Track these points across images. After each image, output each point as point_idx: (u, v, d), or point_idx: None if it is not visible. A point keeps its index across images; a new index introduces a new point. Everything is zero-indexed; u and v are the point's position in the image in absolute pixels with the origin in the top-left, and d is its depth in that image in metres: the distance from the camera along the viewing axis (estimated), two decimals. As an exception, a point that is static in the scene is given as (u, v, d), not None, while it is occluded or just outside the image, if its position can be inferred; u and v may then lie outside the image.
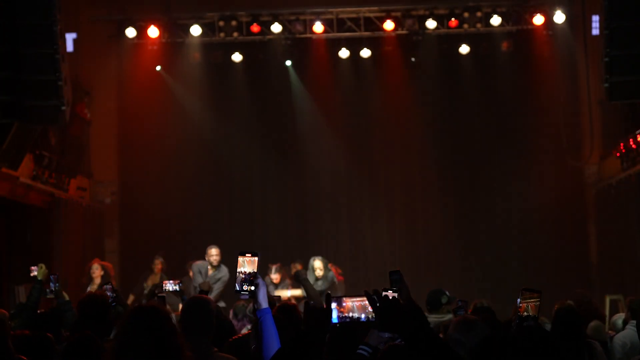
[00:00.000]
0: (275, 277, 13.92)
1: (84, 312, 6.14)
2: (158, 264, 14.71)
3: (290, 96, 17.50)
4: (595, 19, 15.46)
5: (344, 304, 3.40)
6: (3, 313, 6.76)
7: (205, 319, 4.93)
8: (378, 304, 3.19)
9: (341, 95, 17.51)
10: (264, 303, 3.92)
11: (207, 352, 4.69)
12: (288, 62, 17.09)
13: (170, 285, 8.95)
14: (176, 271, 14.08)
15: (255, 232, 17.02)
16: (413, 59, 17.10)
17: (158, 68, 17.07)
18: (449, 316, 8.62)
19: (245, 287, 3.92)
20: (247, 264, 3.96)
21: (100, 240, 16.89)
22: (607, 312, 12.93)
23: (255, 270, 3.95)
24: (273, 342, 3.89)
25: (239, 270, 3.95)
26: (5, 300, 12.59)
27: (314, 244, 16.96)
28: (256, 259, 3.98)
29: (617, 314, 9.54)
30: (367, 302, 3.32)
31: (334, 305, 3.43)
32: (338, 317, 3.41)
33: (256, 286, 3.91)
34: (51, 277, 8.00)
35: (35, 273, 7.52)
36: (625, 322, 8.38)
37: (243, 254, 3.99)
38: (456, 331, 4.97)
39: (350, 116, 17.56)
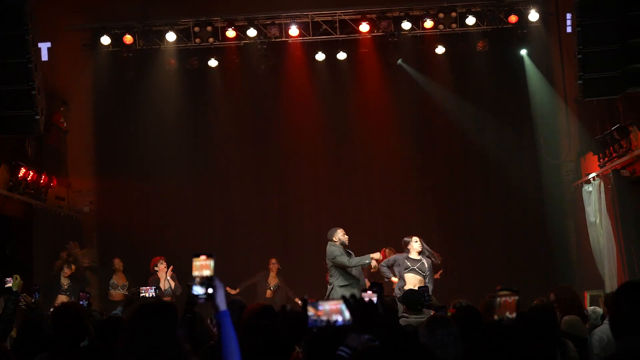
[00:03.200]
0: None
1: (58, 321, 6.09)
2: (118, 262, 15.05)
3: (268, 101, 17.47)
4: (569, 16, 15.52)
5: (320, 308, 3.39)
6: None
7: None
8: (354, 307, 3.20)
9: (318, 97, 17.51)
10: (222, 305, 3.87)
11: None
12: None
13: (150, 292, 8.97)
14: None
15: (235, 238, 16.96)
16: (400, 61, 17.10)
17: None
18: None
19: (202, 290, 3.86)
20: (202, 267, 3.89)
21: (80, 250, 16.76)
22: (587, 308, 12.98)
23: (212, 272, 3.87)
24: (231, 345, 3.85)
25: (194, 273, 3.86)
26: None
27: (294, 247, 16.97)
28: (212, 260, 3.88)
29: (591, 307, 9.62)
30: (342, 306, 3.31)
31: (310, 309, 3.41)
32: (314, 321, 3.39)
33: (214, 288, 3.84)
34: (34, 287, 7.94)
35: (10, 284, 7.43)
36: (603, 317, 8.44)
37: (197, 256, 3.88)
38: (427, 328, 4.98)
39: (328, 118, 17.54)
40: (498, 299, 4.01)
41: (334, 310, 3.39)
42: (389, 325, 3.19)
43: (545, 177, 17.12)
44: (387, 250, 14.22)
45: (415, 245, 12.67)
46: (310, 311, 3.38)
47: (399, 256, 12.83)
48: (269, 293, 15.42)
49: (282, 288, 15.51)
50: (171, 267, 14.01)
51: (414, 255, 12.62)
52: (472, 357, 3.56)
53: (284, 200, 17.50)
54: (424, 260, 12.60)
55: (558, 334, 6.22)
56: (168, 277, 13.91)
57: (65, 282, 13.94)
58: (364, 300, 3.21)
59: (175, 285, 13.92)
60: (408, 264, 12.52)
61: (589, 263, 15.77)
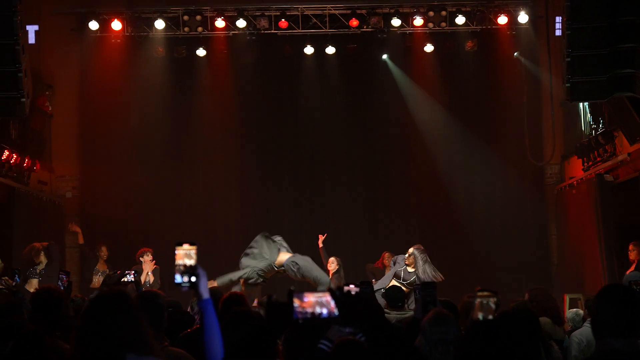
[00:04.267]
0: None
1: (37, 305, 6.06)
2: (105, 250, 14.86)
3: (255, 92, 17.43)
4: (559, 19, 15.58)
5: (305, 300, 3.38)
6: None
7: (155, 313, 5.02)
8: (340, 299, 3.19)
9: (305, 91, 17.48)
10: (205, 294, 3.86)
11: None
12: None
13: (128, 276, 9.01)
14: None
15: (217, 228, 16.94)
16: (386, 57, 17.13)
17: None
18: (410, 313, 8.64)
19: (185, 279, 3.85)
20: (185, 255, 3.86)
21: (61, 235, 16.69)
22: (566, 311, 13.04)
23: (195, 261, 3.85)
24: (214, 334, 3.85)
25: (177, 261, 3.83)
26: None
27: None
28: (194, 248, 3.86)
29: (573, 309, 9.68)
30: (328, 298, 3.31)
31: (296, 300, 3.40)
32: (299, 312, 3.39)
33: (197, 277, 3.83)
34: (15, 270, 7.88)
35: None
36: (583, 320, 8.49)
37: (180, 245, 3.87)
38: (435, 324, 4.94)
39: (314, 112, 17.52)
40: (478, 300, 4.02)
41: (319, 302, 3.38)
42: (374, 319, 3.18)
43: (528, 179, 17.17)
44: (387, 254, 14.48)
45: (417, 263, 12.50)
46: (296, 302, 3.37)
47: (400, 258, 12.75)
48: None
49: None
50: (154, 261, 13.93)
51: (410, 269, 12.51)
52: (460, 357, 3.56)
53: (265, 191, 17.46)
54: (416, 277, 12.48)
55: (541, 335, 6.24)
56: (149, 271, 13.83)
57: (39, 267, 13.72)
58: (350, 293, 3.21)
59: (153, 281, 13.82)
60: (402, 271, 12.40)
61: (570, 266, 15.86)
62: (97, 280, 14.83)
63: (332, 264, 13.88)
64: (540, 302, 7.68)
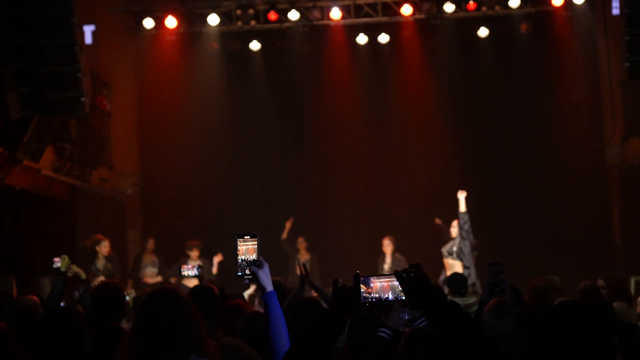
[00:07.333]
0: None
1: (98, 301, 6.19)
2: (152, 243, 15.00)
3: (309, 83, 17.46)
4: (616, -2, 15.34)
5: (371, 285, 3.38)
6: (34, 300, 6.80)
7: (209, 306, 5.10)
8: (407, 282, 3.18)
9: (360, 81, 17.46)
10: (268, 286, 3.84)
11: (212, 337, 4.72)
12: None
13: (188, 271, 9.03)
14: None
15: (276, 218, 17.00)
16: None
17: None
18: (474, 299, 8.60)
19: (247, 271, 3.83)
20: (247, 247, 3.82)
21: (123, 231, 16.95)
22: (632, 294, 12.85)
23: (257, 252, 3.82)
24: (280, 326, 3.83)
25: (240, 256, 3.79)
26: (29, 292, 12.65)
27: (334, 229, 17.04)
28: (256, 240, 3.83)
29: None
30: (395, 282, 3.29)
31: (362, 286, 3.40)
32: (365, 297, 3.38)
33: (259, 269, 3.79)
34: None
35: (59, 264, 7.52)
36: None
37: (242, 237, 3.83)
38: (488, 315, 4.93)
39: (369, 102, 17.50)
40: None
41: (385, 287, 3.37)
42: (441, 302, 3.15)
43: (589, 161, 16.92)
44: (387, 239, 14.93)
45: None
46: (362, 288, 3.36)
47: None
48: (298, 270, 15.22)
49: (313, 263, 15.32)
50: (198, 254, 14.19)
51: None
52: (533, 343, 3.50)
53: (323, 182, 17.50)
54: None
55: (615, 320, 6.13)
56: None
57: (100, 263, 13.92)
58: (418, 275, 3.19)
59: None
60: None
61: (634, 248, 15.59)
62: (147, 272, 14.91)
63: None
64: (615, 286, 7.61)
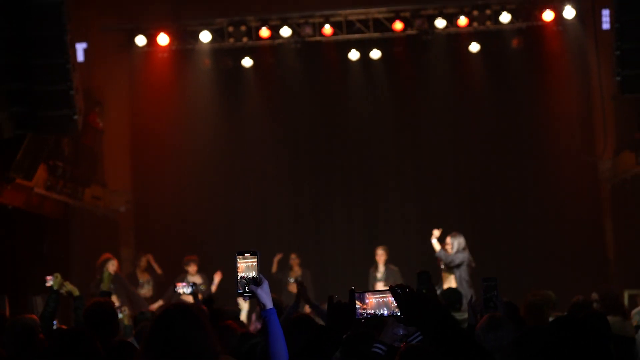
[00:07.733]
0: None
1: (91, 319, 6.18)
2: (144, 261, 14.88)
3: (302, 99, 17.48)
4: (606, 13, 15.40)
5: (367, 301, 3.38)
6: (34, 319, 6.78)
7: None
8: (403, 298, 3.18)
9: (352, 96, 17.50)
10: (268, 303, 3.84)
11: None
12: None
13: (182, 288, 9.00)
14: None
15: (268, 238, 16.97)
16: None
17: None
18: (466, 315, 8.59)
19: (247, 289, 3.83)
20: (247, 264, 3.82)
21: (116, 249, 16.90)
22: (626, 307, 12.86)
23: (257, 270, 3.82)
24: (280, 343, 3.82)
25: (240, 273, 3.79)
26: (22, 311, 12.60)
27: (324, 250, 17.03)
28: (256, 257, 3.83)
29: (636, 308, 9.50)
30: (390, 298, 3.29)
31: (357, 303, 3.40)
32: (360, 313, 3.38)
33: (259, 286, 3.79)
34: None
35: (51, 283, 7.49)
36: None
37: (242, 254, 3.83)
38: (481, 330, 4.93)
39: (361, 117, 17.53)
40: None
41: (380, 303, 3.38)
42: (440, 318, 3.15)
43: (581, 175, 16.95)
44: (380, 248, 14.95)
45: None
46: (357, 304, 3.37)
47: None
48: (292, 287, 15.23)
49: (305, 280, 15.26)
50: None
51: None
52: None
53: (316, 199, 17.50)
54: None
55: (611, 335, 6.14)
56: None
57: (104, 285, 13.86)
58: (414, 291, 3.19)
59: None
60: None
61: (627, 262, 15.61)
62: (143, 291, 14.82)
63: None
64: (610, 300, 7.62)
